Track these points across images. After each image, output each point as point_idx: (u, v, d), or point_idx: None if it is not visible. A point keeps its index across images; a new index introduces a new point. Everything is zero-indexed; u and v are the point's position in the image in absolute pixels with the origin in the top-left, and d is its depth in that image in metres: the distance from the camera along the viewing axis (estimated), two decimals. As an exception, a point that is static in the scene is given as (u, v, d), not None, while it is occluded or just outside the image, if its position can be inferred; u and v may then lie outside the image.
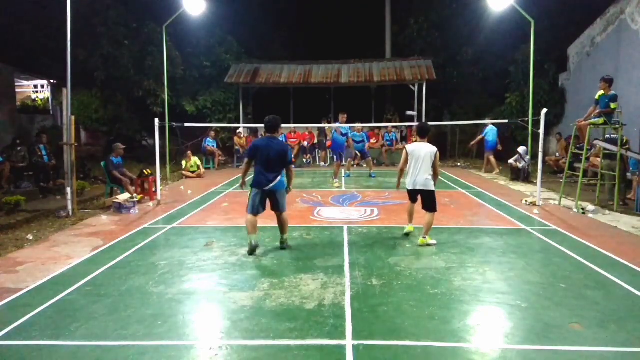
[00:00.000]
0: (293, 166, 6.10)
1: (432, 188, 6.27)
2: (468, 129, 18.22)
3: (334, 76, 18.74)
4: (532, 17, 12.41)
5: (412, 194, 6.52)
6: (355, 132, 13.24)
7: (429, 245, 6.16)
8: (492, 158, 14.41)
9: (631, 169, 9.69)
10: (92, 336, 3.66)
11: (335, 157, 12.88)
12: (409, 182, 6.40)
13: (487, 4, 13.21)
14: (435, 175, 6.32)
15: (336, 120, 13.86)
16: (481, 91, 20.30)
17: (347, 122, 12.63)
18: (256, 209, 5.86)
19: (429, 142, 6.40)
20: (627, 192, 9.30)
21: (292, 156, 6.02)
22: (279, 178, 5.79)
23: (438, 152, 6.30)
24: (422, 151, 6.24)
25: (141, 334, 3.70)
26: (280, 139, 6.17)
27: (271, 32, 22.80)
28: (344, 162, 12.69)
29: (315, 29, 23.07)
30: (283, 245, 6.06)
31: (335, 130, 12.59)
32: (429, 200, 6.30)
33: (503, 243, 6.35)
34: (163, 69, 14.37)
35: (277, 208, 5.97)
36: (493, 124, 14.43)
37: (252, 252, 5.80)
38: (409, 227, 6.72)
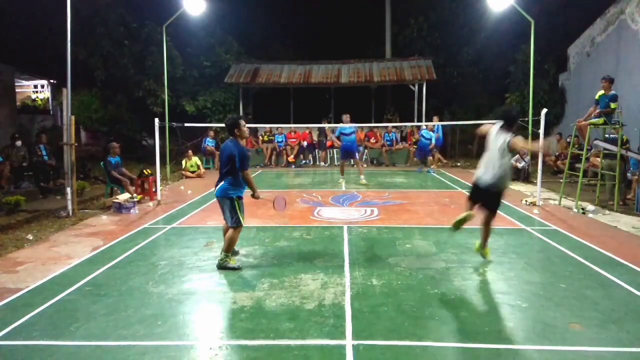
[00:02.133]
0: (246, 170, 5.19)
1: (497, 189, 5.12)
2: (468, 129, 18.20)
3: (334, 76, 18.73)
4: (532, 17, 12.40)
5: (474, 193, 5.35)
6: (343, 126, 12.10)
7: (483, 257, 5.28)
8: (437, 154, 15.89)
9: (631, 168, 9.68)
10: (92, 336, 3.66)
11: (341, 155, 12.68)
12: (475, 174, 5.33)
13: (487, 4, 13.20)
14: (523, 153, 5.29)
15: (337, 121, 13.94)
16: (481, 91, 20.31)
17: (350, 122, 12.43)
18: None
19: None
20: (627, 192, 9.29)
21: (244, 162, 5.14)
22: (222, 183, 5.24)
23: (513, 138, 4.99)
24: (497, 141, 5.04)
25: (141, 334, 3.70)
26: (235, 142, 5.24)
27: (271, 32, 22.81)
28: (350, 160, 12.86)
29: (315, 29, 23.08)
30: (217, 265, 5.27)
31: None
32: (491, 201, 5.25)
33: (503, 243, 6.35)
34: (163, 69, 14.36)
35: (225, 219, 5.32)
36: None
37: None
38: (462, 216, 5.28)
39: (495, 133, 5.20)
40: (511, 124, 5.17)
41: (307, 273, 5.09)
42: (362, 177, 11.94)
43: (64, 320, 3.95)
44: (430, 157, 14.68)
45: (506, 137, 5.02)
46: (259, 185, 5.53)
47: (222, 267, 5.24)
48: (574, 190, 9.41)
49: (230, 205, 5.21)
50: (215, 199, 5.47)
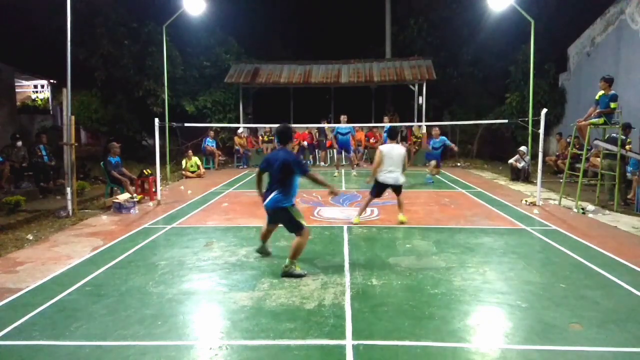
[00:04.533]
0: (309, 172, 5.23)
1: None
2: (468, 128, 18.23)
3: (334, 76, 18.73)
4: (532, 17, 12.41)
5: (383, 188, 7.44)
6: (340, 126, 13.96)
7: (402, 223, 7.36)
8: None
9: (630, 168, 9.67)
10: (92, 336, 3.66)
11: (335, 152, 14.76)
12: (383, 178, 7.34)
13: (487, 4, 13.21)
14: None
15: (337, 122, 14.47)
16: (481, 91, 20.31)
17: (347, 122, 13.77)
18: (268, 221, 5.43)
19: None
20: (627, 192, 9.29)
21: (304, 166, 5.24)
22: (273, 194, 5.05)
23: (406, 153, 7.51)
24: (394, 152, 7.31)
25: (141, 334, 3.70)
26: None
27: (271, 32, 22.82)
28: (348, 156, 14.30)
29: (315, 29, 23.08)
30: (282, 272, 5.00)
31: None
32: (399, 189, 7.54)
33: (503, 243, 6.35)
34: (163, 69, 14.37)
35: (287, 229, 5.23)
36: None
37: (259, 252, 5.70)
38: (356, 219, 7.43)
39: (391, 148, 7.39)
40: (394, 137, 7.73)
41: (307, 273, 5.08)
42: (353, 170, 13.75)
43: (64, 320, 3.95)
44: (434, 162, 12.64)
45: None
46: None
47: (287, 274, 4.95)
48: (574, 190, 9.40)
49: (287, 215, 5.08)
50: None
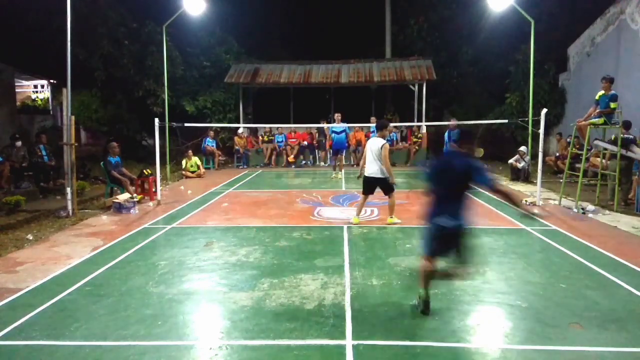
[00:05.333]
0: (494, 184, 3.86)
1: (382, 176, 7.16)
2: (468, 129, 18.21)
3: (334, 76, 18.72)
4: (532, 17, 12.40)
5: (369, 184, 7.38)
6: (334, 125, 13.77)
7: (394, 224, 7.33)
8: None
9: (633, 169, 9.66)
10: (92, 336, 3.66)
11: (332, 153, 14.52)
12: (366, 172, 7.38)
13: (487, 4, 13.21)
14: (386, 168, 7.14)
15: (334, 121, 14.51)
16: (481, 91, 20.30)
17: (344, 121, 13.72)
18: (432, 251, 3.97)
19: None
20: (628, 192, 9.28)
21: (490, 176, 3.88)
22: (460, 211, 3.82)
23: (386, 144, 7.09)
24: (373, 144, 7.20)
25: (141, 334, 3.70)
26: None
27: (271, 32, 22.80)
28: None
29: (315, 29, 23.07)
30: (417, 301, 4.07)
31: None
32: (387, 188, 7.32)
33: (503, 243, 6.35)
34: (163, 69, 14.37)
35: (459, 261, 3.89)
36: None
37: (424, 309, 4.00)
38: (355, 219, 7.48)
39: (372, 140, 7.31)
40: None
41: (307, 273, 5.09)
42: (335, 172, 13.28)
43: (64, 320, 3.95)
44: None
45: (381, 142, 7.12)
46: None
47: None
48: (574, 190, 9.40)
49: (470, 241, 3.82)
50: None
